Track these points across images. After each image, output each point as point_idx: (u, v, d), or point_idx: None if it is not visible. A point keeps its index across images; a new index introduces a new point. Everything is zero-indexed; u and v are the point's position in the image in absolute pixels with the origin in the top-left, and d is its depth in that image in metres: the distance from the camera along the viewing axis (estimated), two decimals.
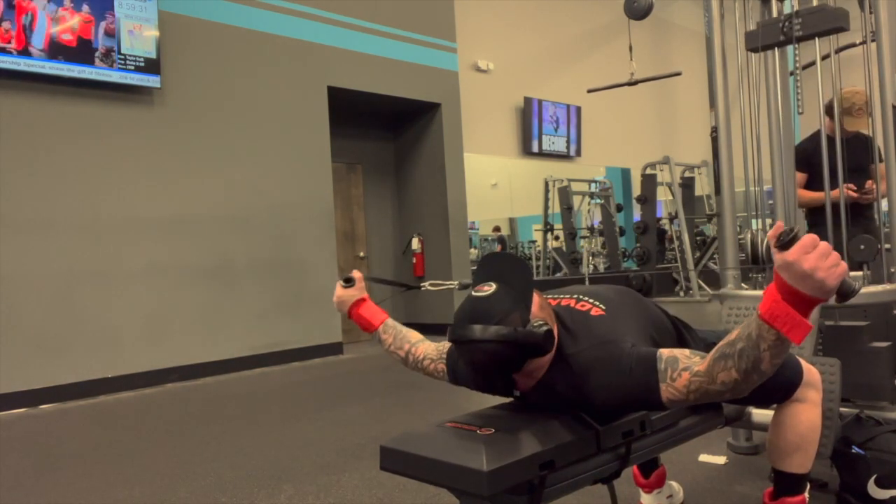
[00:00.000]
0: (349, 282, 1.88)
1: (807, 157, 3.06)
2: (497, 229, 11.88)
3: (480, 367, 1.36)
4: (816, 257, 1.03)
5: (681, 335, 1.70)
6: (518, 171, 10.52)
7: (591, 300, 1.55)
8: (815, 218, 3.25)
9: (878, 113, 2.41)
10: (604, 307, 1.51)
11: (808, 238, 1.04)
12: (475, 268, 1.49)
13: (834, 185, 2.54)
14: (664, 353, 1.33)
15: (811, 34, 2.34)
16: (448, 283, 2.07)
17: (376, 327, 1.88)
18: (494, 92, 8.81)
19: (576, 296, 1.58)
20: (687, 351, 1.34)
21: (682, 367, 1.28)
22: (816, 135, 3.09)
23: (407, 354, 1.83)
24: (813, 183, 3.17)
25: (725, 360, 1.19)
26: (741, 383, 1.19)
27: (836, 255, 1.05)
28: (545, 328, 1.33)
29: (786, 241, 1.04)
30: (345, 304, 1.89)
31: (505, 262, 1.43)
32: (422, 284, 2.08)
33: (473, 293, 1.38)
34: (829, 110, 3.01)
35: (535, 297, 1.40)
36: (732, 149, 2.69)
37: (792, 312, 1.07)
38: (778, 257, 1.06)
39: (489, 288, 1.36)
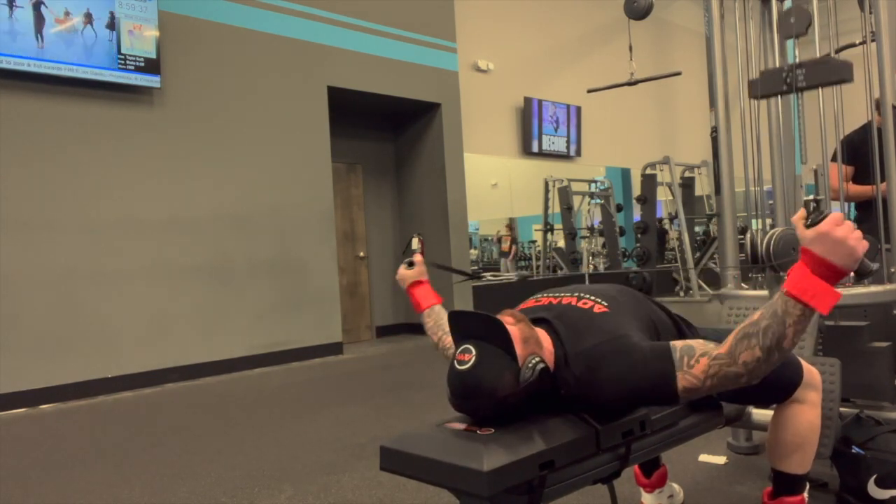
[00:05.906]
0: (411, 265, 2.10)
1: (854, 149, 2.96)
2: (509, 226, 11.78)
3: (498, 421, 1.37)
4: (846, 228, 1.13)
5: (682, 332, 1.70)
6: (518, 171, 10.51)
7: (592, 298, 1.55)
8: (863, 213, 3.12)
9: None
10: (606, 304, 1.52)
11: (836, 214, 1.15)
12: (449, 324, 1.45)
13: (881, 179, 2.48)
14: (677, 344, 1.36)
15: (814, 85, 2.31)
16: (508, 275, 2.17)
17: (423, 309, 2.01)
18: (494, 92, 8.81)
19: (577, 294, 1.57)
20: (700, 340, 1.36)
21: (699, 353, 1.31)
22: (866, 126, 3.09)
23: (438, 340, 1.92)
24: (859, 176, 3.07)
25: (749, 339, 1.23)
26: (762, 363, 1.22)
27: (858, 231, 1.15)
28: (540, 366, 1.33)
29: (817, 220, 1.14)
30: (404, 282, 2.09)
31: (473, 319, 1.38)
32: (482, 274, 2.18)
33: (457, 366, 1.34)
34: (878, 105, 3.06)
35: (515, 331, 1.36)
36: (732, 149, 2.69)
37: (822, 283, 1.15)
38: (810, 232, 1.15)
39: (469, 356, 1.33)
